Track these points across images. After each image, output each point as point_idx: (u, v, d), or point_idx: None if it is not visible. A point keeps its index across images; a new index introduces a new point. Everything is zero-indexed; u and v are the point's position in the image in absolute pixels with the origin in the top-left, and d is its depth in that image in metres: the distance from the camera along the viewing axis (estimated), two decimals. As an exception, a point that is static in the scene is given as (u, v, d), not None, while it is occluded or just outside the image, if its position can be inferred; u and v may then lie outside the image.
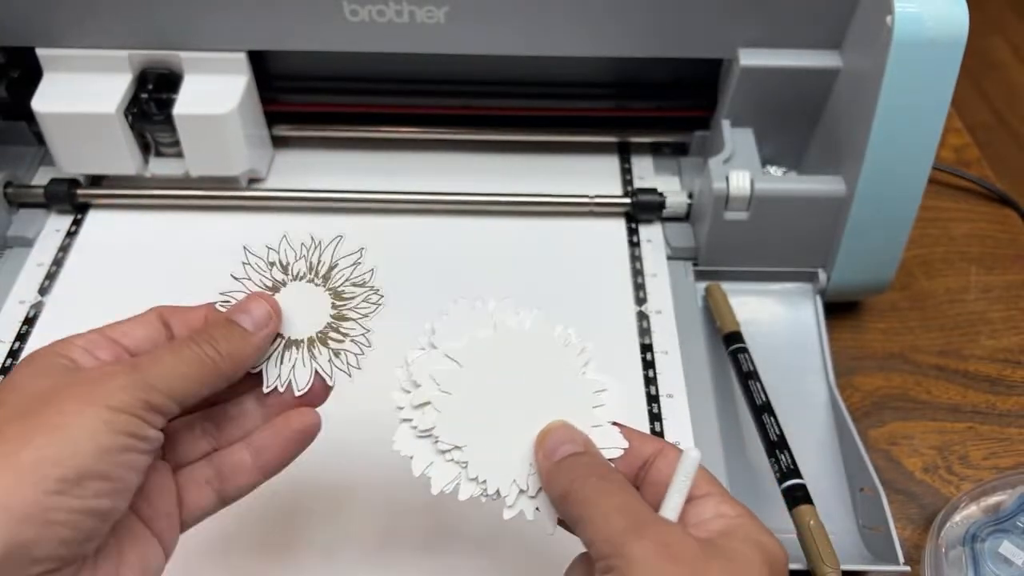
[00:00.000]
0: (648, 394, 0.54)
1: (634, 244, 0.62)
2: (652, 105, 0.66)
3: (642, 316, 0.58)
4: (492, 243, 0.62)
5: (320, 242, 0.39)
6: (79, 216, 0.63)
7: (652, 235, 0.63)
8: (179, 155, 0.62)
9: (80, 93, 0.59)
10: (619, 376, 0.53)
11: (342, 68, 0.64)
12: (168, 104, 0.59)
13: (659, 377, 0.55)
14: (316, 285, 0.39)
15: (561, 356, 0.39)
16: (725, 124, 0.61)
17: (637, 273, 0.60)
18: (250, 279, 0.39)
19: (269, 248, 0.39)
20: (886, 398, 0.60)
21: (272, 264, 0.39)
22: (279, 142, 0.67)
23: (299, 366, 0.38)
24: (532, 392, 0.38)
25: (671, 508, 0.34)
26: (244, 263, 0.39)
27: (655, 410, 0.53)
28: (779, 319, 0.60)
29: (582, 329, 0.56)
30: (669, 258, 0.61)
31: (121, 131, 0.60)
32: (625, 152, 0.68)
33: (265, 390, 0.38)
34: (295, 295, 0.39)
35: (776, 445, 0.51)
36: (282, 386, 0.38)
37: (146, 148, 0.63)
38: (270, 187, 0.65)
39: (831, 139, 0.59)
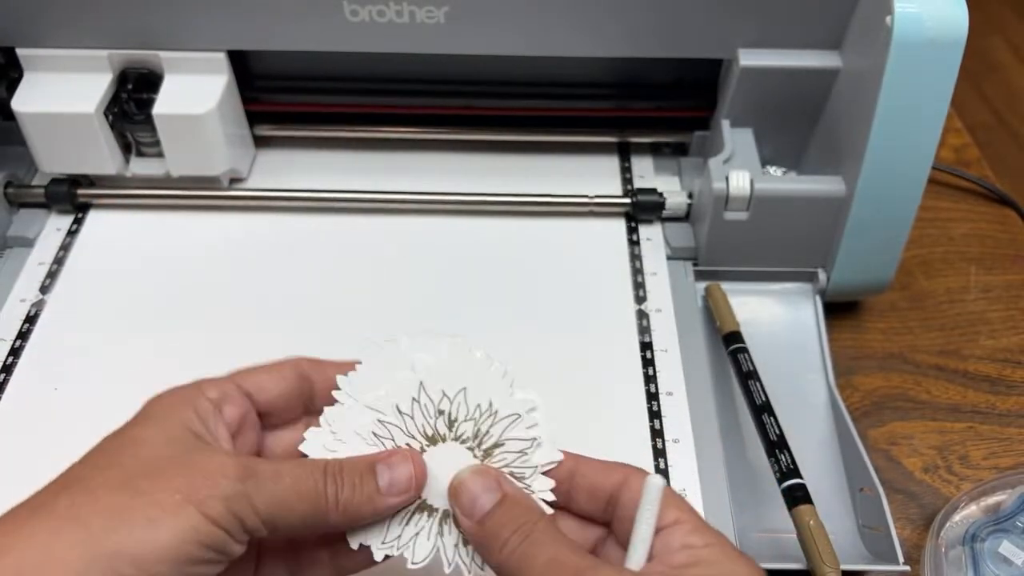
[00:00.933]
0: (648, 392, 0.54)
1: (634, 243, 0.62)
2: (652, 105, 0.66)
3: (642, 314, 0.58)
4: (489, 243, 0.62)
5: (496, 412, 0.36)
6: (80, 216, 0.63)
7: (652, 234, 0.63)
8: (160, 155, 0.61)
9: (60, 93, 0.59)
10: (618, 375, 0.54)
11: (325, 68, 0.64)
12: (148, 104, 0.59)
13: (659, 375, 0.55)
14: (475, 456, 0.35)
15: (485, 381, 0.37)
16: (725, 124, 0.61)
17: (637, 272, 0.60)
18: (413, 418, 0.36)
19: (444, 395, 0.36)
20: (886, 398, 0.60)
21: (441, 413, 0.35)
22: (261, 142, 0.67)
23: (423, 538, 0.34)
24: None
25: (638, 544, 0.32)
26: (414, 399, 0.35)
27: (654, 408, 0.53)
28: (779, 319, 0.61)
29: (582, 328, 0.57)
30: (669, 258, 0.61)
31: (100, 131, 0.60)
32: (625, 152, 0.68)
33: (377, 551, 0.35)
34: (448, 455, 0.35)
35: (776, 445, 0.51)
36: (396, 551, 0.34)
37: (127, 148, 0.63)
38: (271, 187, 0.65)
39: (831, 139, 0.59)
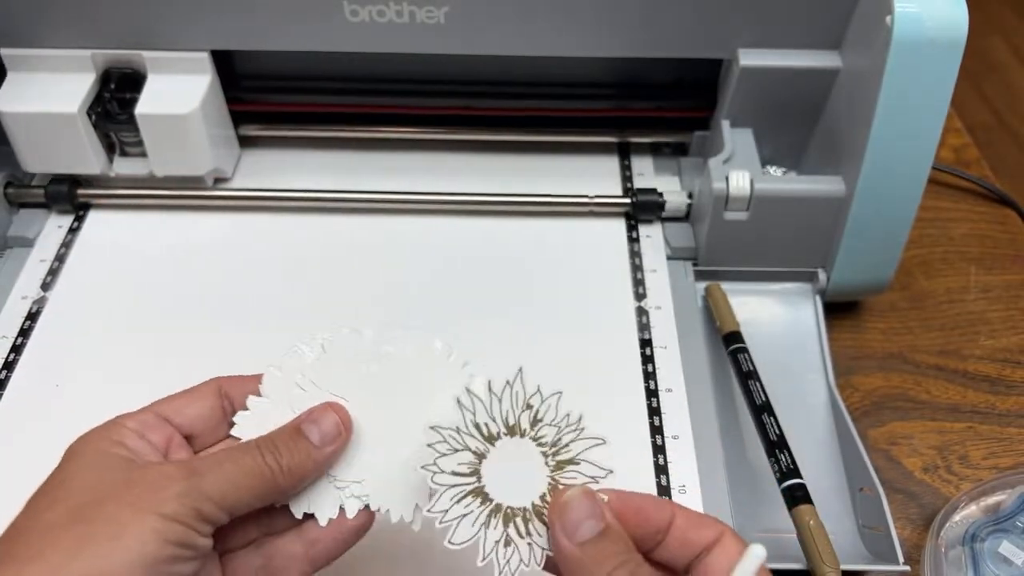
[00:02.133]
0: (647, 389, 0.54)
1: (633, 239, 0.62)
2: (652, 105, 0.66)
3: (641, 311, 0.58)
4: (488, 243, 0.62)
5: (583, 428, 0.35)
6: (80, 215, 0.63)
7: (652, 232, 0.63)
8: (144, 155, 0.61)
9: (43, 93, 0.59)
10: (616, 370, 0.54)
11: (312, 68, 0.64)
12: (131, 104, 0.59)
13: (658, 372, 0.55)
14: (547, 463, 0.35)
15: (446, 374, 0.37)
16: (725, 124, 0.61)
17: (636, 269, 0.60)
18: (501, 401, 0.35)
19: (539, 391, 0.35)
20: (885, 398, 0.60)
21: (529, 408, 0.35)
22: (248, 141, 0.67)
23: (467, 521, 0.34)
24: (423, 416, 0.35)
25: None
26: (508, 383, 0.35)
27: (654, 404, 0.53)
28: (779, 319, 0.61)
29: (581, 326, 0.57)
30: (669, 258, 0.61)
31: (83, 130, 0.60)
32: (625, 152, 0.68)
33: (416, 518, 0.36)
34: (521, 452, 0.35)
35: (776, 445, 0.51)
36: (439, 524, 0.34)
37: (111, 148, 0.63)
38: (268, 188, 0.64)
39: (831, 139, 0.59)
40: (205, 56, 0.60)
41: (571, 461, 0.35)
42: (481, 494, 0.34)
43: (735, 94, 0.60)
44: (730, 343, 0.57)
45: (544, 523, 0.34)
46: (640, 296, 0.59)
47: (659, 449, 0.51)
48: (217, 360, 0.54)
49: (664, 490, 0.49)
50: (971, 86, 2.04)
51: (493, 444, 0.35)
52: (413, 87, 0.65)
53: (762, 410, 0.53)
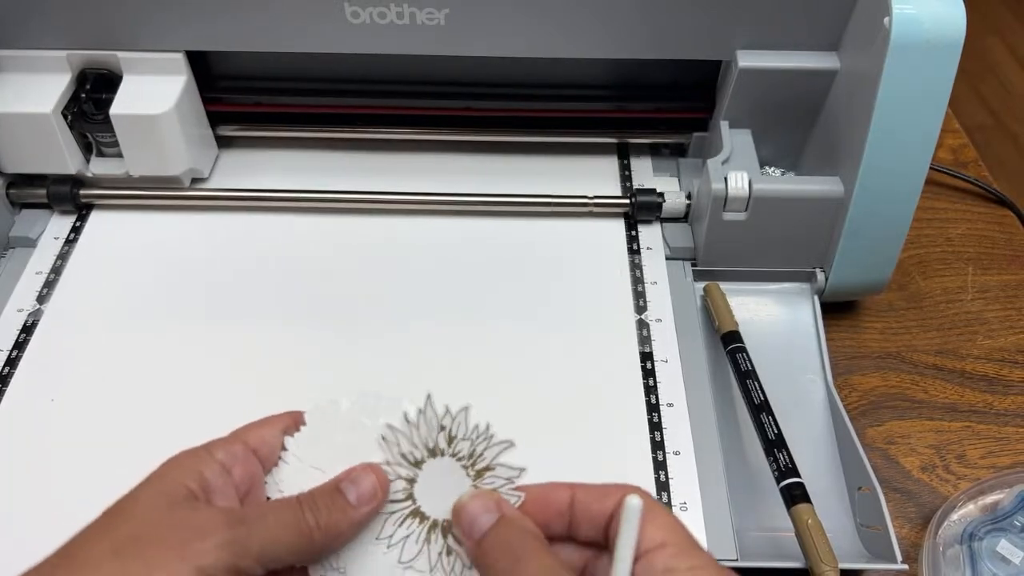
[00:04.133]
0: (648, 403, 0.54)
1: (634, 251, 0.62)
2: (651, 107, 0.66)
3: (642, 324, 0.58)
4: (486, 244, 0.62)
5: (492, 436, 0.36)
6: (83, 214, 0.64)
7: (652, 242, 0.63)
8: (120, 155, 0.62)
9: (18, 93, 0.60)
10: (617, 384, 0.54)
11: (286, 69, 0.65)
12: (107, 104, 0.60)
13: (659, 386, 0.55)
14: (468, 475, 0.37)
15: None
16: (724, 125, 0.61)
17: (637, 281, 0.60)
18: (418, 429, 0.37)
19: (448, 411, 0.36)
20: (883, 397, 0.60)
21: (443, 428, 0.37)
22: (225, 142, 0.68)
23: (411, 540, 0.37)
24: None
25: (619, 565, 0.32)
26: (420, 411, 0.37)
27: (655, 419, 0.53)
28: (777, 319, 0.61)
29: (582, 338, 0.57)
30: (668, 258, 0.62)
31: (59, 131, 0.60)
32: (624, 153, 0.69)
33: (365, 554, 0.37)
34: (444, 469, 0.37)
35: (774, 444, 0.51)
36: (388, 547, 0.37)
37: (88, 148, 0.64)
38: (275, 188, 0.65)
39: (829, 140, 0.60)
40: (180, 57, 0.60)
41: (487, 468, 0.37)
42: (418, 514, 0.37)
43: (734, 95, 0.60)
44: (728, 343, 0.57)
45: (444, 538, 0.37)
46: (641, 308, 0.59)
47: (660, 465, 0.51)
48: (219, 370, 0.54)
49: (666, 507, 0.48)
50: (968, 87, 2.05)
51: (420, 468, 0.37)
52: (408, 88, 0.65)
53: (760, 409, 0.53)
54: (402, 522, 0.37)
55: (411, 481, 0.37)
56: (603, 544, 0.35)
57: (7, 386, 0.54)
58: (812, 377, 0.58)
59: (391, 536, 0.37)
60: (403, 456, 0.37)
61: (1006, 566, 0.50)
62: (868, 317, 0.64)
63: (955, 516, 0.53)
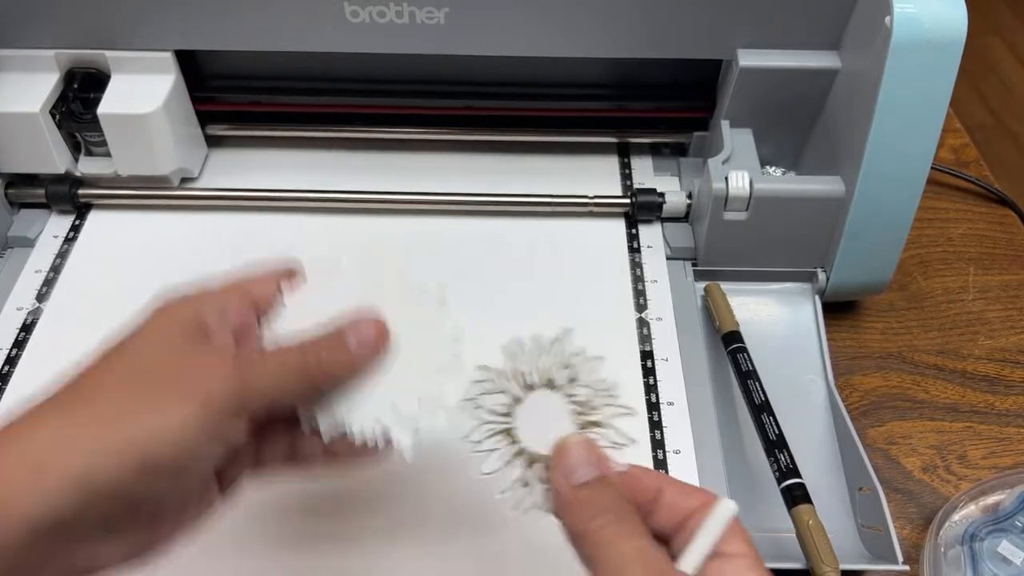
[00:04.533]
0: (648, 402, 0.54)
1: (634, 250, 0.62)
2: (651, 106, 0.66)
3: (642, 323, 0.58)
4: (486, 244, 0.62)
5: (614, 396, 0.37)
6: (81, 213, 0.64)
7: (652, 240, 0.63)
8: (108, 154, 0.62)
9: (5, 93, 0.60)
10: (618, 381, 0.54)
11: (273, 68, 0.65)
12: (95, 103, 0.60)
13: (659, 385, 0.54)
14: (575, 421, 0.36)
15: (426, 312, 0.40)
16: (724, 125, 0.61)
17: (638, 280, 0.60)
18: (547, 355, 0.37)
19: (582, 352, 0.37)
20: (884, 397, 0.60)
21: (567, 367, 0.37)
22: (215, 141, 0.67)
23: (495, 455, 0.36)
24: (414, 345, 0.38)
25: (691, 557, 0.32)
26: (555, 339, 0.37)
27: (655, 418, 0.53)
28: (778, 319, 0.61)
29: (582, 336, 0.56)
30: (668, 258, 0.61)
31: (46, 130, 0.60)
32: (625, 152, 0.68)
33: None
34: (553, 405, 0.37)
35: (775, 444, 0.51)
36: (473, 451, 0.36)
37: (77, 147, 0.63)
38: (269, 188, 0.64)
39: (830, 139, 0.59)
40: (169, 56, 0.60)
41: (598, 424, 0.36)
42: (511, 435, 0.36)
43: (734, 95, 0.60)
44: (729, 343, 0.57)
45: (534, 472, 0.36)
46: (641, 307, 0.59)
47: (660, 464, 0.51)
48: None
49: None
50: (969, 86, 2.05)
51: (530, 392, 0.37)
52: (405, 87, 0.65)
53: (761, 410, 0.53)
54: (492, 435, 0.37)
55: (517, 400, 0.37)
56: (666, 537, 0.35)
57: (7, 384, 0.54)
58: (813, 377, 0.58)
59: (479, 443, 0.37)
60: (520, 374, 0.37)
61: (1007, 567, 0.50)
62: (869, 317, 0.64)
63: (956, 517, 0.53)
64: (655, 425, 0.53)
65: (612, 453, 0.36)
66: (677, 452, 0.51)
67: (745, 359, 0.56)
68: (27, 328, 0.57)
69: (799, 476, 0.50)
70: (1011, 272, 0.68)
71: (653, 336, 0.57)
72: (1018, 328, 0.65)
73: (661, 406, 0.53)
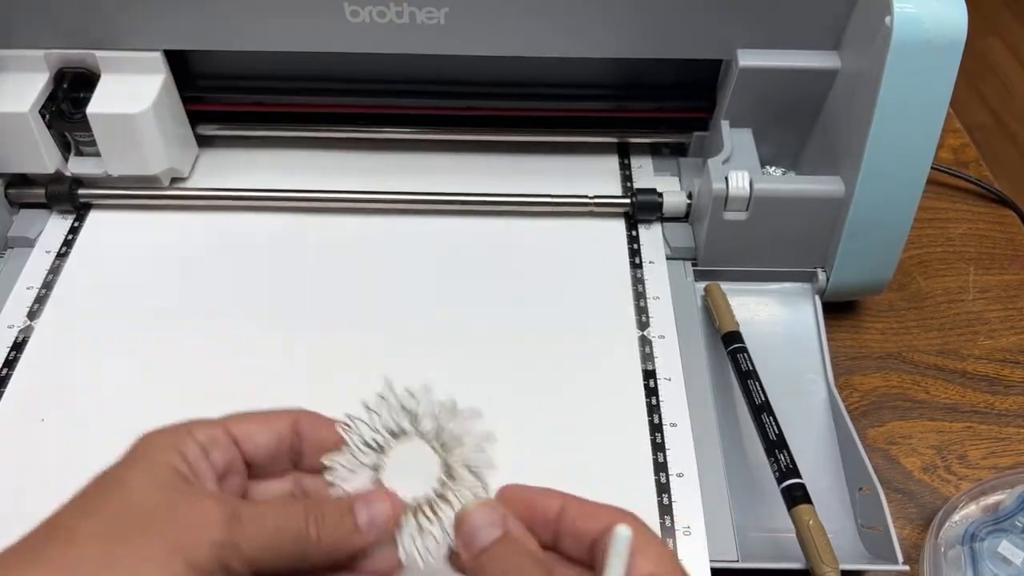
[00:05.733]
0: (651, 423, 0.53)
1: (635, 251, 0.62)
2: (651, 106, 0.66)
3: (644, 341, 0.57)
4: (484, 245, 0.62)
5: (455, 407, 0.37)
6: (81, 215, 0.64)
7: (653, 242, 0.62)
8: (98, 154, 0.62)
9: None
10: (618, 398, 0.54)
11: (264, 68, 0.65)
12: (84, 103, 0.60)
13: (662, 405, 0.53)
14: (436, 451, 0.37)
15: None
16: (724, 125, 0.61)
17: (640, 296, 0.59)
18: (379, 415, 0.37)
19: (410, 392, 0.37)
20: (884, 398, 0.60)
21: (405, 410, 0.37)
22: (206, 141, 0.67)
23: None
24: None
25: None
26: (381, 396, 0.37)
27: (658, 440, 0.52)
28: (778, 319, 0.61)
29: (581, 352, 0.55)
30: (668, 258, 0.61)
31: (36, 130, 0.60)
32: (624, 153, 0.68)
33: None
34: (410, 451, 0.37)
35: (775, 444, 0.51)
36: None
37: (67, 147, 0.63)
38: (267, 188, 0.64)
39: (829, 139, 0.59)
40: (158, 56, 0.60)
41: (456, 439, 0.37)
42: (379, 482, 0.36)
43: (734, 94, 0.60)
44: (729, 343, 0.57)
45: (446, 500, 0.36)
46: (643, 324, 0.58)
47: (663, 488, 0.50)
48: (210, 385, 0.54)
49: (668, 531, 0.48)
50: (969, 87, 2.04)
51: (385, 453, 0.37)
52: (402, 87, 0.65)
53: (761, 410, 0.53)
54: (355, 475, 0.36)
55: (377, 468, 0.36)
56: (585, 562, 0.34)
57: (13, 371, 0.54)
58: (813, 377, 0.58)
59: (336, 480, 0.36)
60: (365, 444, 0.37)
61: (1007, 567, 0.50)
62: (869, 317, 0.64)
63: (956, 517, 0.53)
64: (658, 447, 0.51)
65: (487, 453, 0.36)
66: (680, 475, 0.50)
67: (745, 359, 0.56)
68: (9, 364, 0.55)
69: (799, 476, 0.50)
70: (1011, 272, 0.68)
71: (656, 355, 0.56)
72: (1018, 328, 0.65)
73: (664, 427, 0.52)
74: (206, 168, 0.67)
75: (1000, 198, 0.74)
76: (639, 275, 0.60)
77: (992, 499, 0.54)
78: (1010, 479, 0.54)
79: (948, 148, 0.78)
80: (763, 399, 0.53)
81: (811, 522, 0.47)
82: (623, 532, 0.32)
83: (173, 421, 0.36)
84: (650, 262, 0.61)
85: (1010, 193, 0.74)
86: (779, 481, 0.50)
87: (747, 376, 0.55)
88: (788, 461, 0.50)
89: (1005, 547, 0.50)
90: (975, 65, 2.10)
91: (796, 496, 0.49)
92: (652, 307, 0.59)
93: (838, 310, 0.64)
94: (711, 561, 0.47)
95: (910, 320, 0.65)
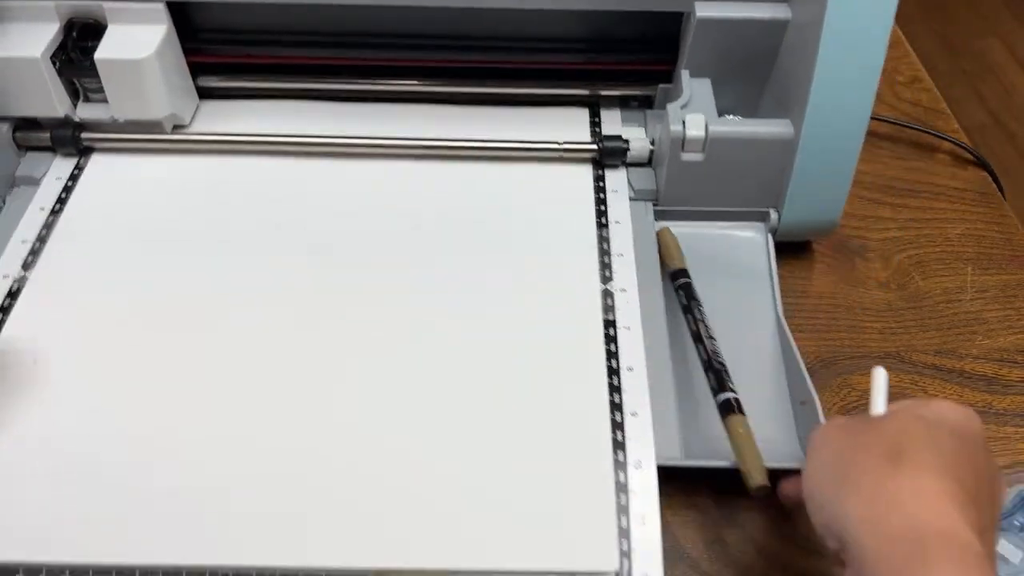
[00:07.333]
0: (609, 367, 0.55)
1: (600, 192, 0.66)
2: (620, 59, 0.69)
3: (607, 293, 0.60)
4: (458, 189, 0.66)
5: None
6: (83, 157, 0.68)
7: (618, 185, 0.66)
8: (105, 100, 0.66)
9: (9, 40, 0.64)
10: (579, 342, 0.57)
11: (264, 21, 0.69)
12: (92, 51, 0.64)
13: (620, 351, 0.56)
14: None
15: None
16: (684, 74, 0.65)
17: (604, 253, 0.62)
18: None
19: None
20: (884, 397, 0.61)
21: None
22: (206, 93, 0.72)
23: None
24: None
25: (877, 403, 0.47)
26: None
27: (615, 383, 0.54)
28: (733, 255, 0.64)
29: (547, 298, 0.58)
30: (632, 199, 0.65)
31: (47, 75, 0.64)
32: (595, 108, 0.72)
33: None
34: None
35: (713, 365, 0.55)
36: None
37: (76, 94, 0.68)
38: (266, 133, 0.69)
39: (782, 87, 0.63)
40: (161, 7, 0.65)
41: None
42: None
43: (693, 45, 0.64)
44: (676, 278, 0.61)
45: None
46: (606, 279, 0.61)
47: (618, 426, 0.52)
48: (212, 306, 0.59)
49: (621, 465, 0.50)
50: (968, 87, 2.07)
51: None
52: (387, 40, 0.69)
53: (699, 336, 0.57)
54: None
55: None
56: None
57: (16, 301, 0.59)
58: (764, 308, 0.62)
59: None
60: None
61: (1006, 566, 0.50)
62: (867, 317, 0.64)
63: None
64: (614, 389, 0.54)
65: None
66: (630, 369, 0.55)
67: (689, 291, 0.60)
68: (4, 310, 0.59)
69: (733, 392, 0.54)
70: (1009, 272, 0.68)
71: (617, 307, 0.59)
72: (1016, 328, 0.64)
73: (621, 371, 0.55)
74: (205, 118, 0.71)
75: (977, 159, 0.76)
76: (605, 234, 0.63)
77: (991, 498, 0.53)
78: (1008, 478, 0.54)
79: (948, 148, 0.78)
80: (705, 325, 0.58)
81: (741, 429, 0.52)
82: (881, 371, 0.47)
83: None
84: (614, 190, 0.66)
85: (1009, 192, 0.75)
86: (714, 395, 0.54)
87: (690, 306, 0.59)
88: (722, 379, 0.54)
89: (1004, 546, 0.50)
90: (975, 66, 2.12)
91: (730, 408, 0.53)
92: (616, 263, 0.62)
93: (838, 310, 0.65)
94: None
95: (908, 320, 0.65)
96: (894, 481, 0.39)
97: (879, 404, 0.46)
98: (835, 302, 0.65)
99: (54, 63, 0.65)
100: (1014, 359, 0.62)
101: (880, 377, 0.47)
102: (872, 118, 0.60)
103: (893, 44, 0.81)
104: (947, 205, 0.73)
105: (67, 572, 0.47)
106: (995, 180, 0.76)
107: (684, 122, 0.61)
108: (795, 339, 0.55)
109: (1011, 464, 0.57)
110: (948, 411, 0.43)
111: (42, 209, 0.65)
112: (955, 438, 0.41)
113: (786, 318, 0.59)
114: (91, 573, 0.47)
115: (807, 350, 0.58)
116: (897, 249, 0.68)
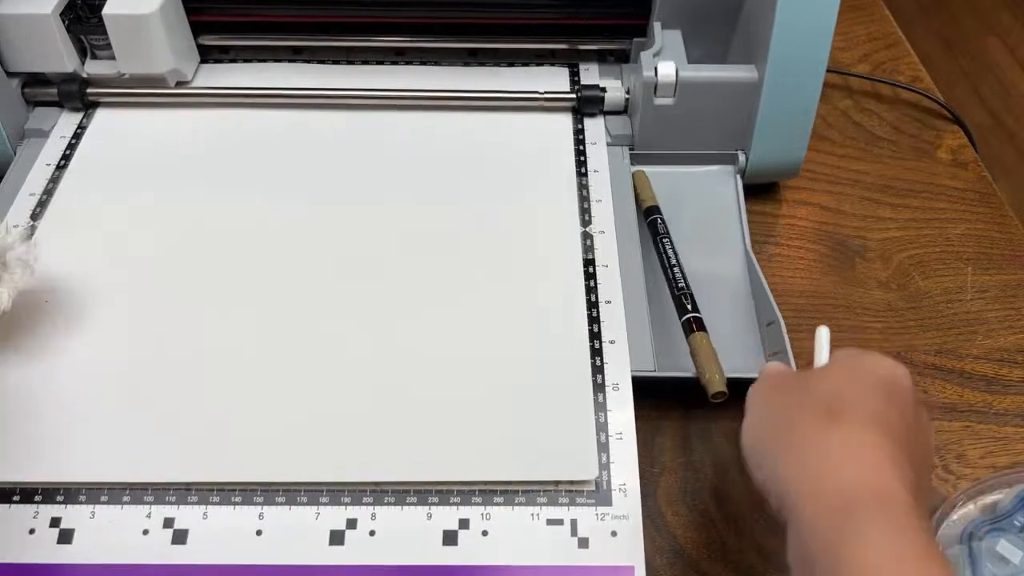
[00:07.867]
0: (588, 300, 0.59)
1: (580, 140, 0.69)
2: (596, 12, 0.73)
3: (587, 236, 0.63)
4: (443, 137, 0.70)
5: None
6: (89, 112, 0.72)
7: (596, 133, 0.70)
8: (112, 57, 0.70)
9: None
10: (562, 280, 0.60)
11: None
12: (99, 8, 0.68)
13: (599, 287, 0.59)
14: None
15: None
16: (656, 26, 0.68)
17: (584, 199, 0.65)
18: None
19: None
20: (884, 397, 0.61)
21: None
22: (208, 52, 0.76)
23: None
24: None
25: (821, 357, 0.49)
26: None
27: (595, 314, 0.58)
28: (704, 195, 0.68)
29: (530, 241, 0.62)
30: (609, 144, 0.69)
31: (57, 31, 0.68)
32: (575, 67, 0.76)
33: None
34: None
35: (680, 290, 0.59)
36: None
37: (84, 52, 0.72)
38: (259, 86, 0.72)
39: (746, 36, 0.67)
40: None
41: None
42: None
43: (664, -1, 0.67)
44: (649, 215, 0.65)
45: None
46: (586, 222, 0.64)
47: (596, 352, 0.56)
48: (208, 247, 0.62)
49: (600, 387, 0.54)
50: (968, 87, 2.09)
51: None
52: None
53: (672, 264, 0.61)
54: None
55: None
56: None
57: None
58: (734, 241, 0.65)
59: None
60: None
61: (1005, 566, 0.49)
62: (868, 317, 0.64)
63: (954, 516, 0.52)
64: (593, 320, 0.57)
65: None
66: (608, 302, 0.58)
67: (660, 223, 0.64)
68: (41, 204, 0.64)
69: (697, 312, 0.58)
70: (1009, 272, 0.68)
71: (596, 247, 0.62)
72: (1016, 328, 0.64)
73: (600, 304, 0.59)
74: (206, 77, 0.75)
75: (953, 116, 0.78)
76: (584, 182, 0.67)
77: (990, 498, 0.53)
78: (1008, 478, 0.53)
79: (947, 148, 0.77)
80: (674, 254, 0.62)
81: (701, 343, 0.55)
82: (824, 330, 0.49)
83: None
84: (592, 143, 0.69)
85: (1009, 193, 0.76)
86: (680, 317, 0.58)
87: (661, 238, 0.63)
88: (687, 300, 0.58)
89: (1003, 546, 0.49)
90: (974, 65, 2.14)
91: (693, 326, 0.57)
92: (595, 208, 0.65)
93: (838, 310, 0.65)
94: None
95: (909, 320, 0.64)
96: (827, 438, 0.40)
97: (822, 360, 0.49)
98: (835, 302, 0.65)
99: (63, 20, 0.69)
100: (1014, 359, 0.62)
101: (823, 336, 0.50)
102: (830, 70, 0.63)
103: (893, 44, 0.86)
104: (947, 205, 0.73)
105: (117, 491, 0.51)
106: (970, 139, 0.78)
107: (656, 68, 0.64)
108: (792, 341, 0.57)
109: (1011, 464, 0.57)
110: (879, 365, 0.44)
111: (48, 165, 0.68)
112: (887, 392, 0.42)
113: (783, 319, 0.59)
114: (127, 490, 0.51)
115: (807, 350, 0.56)
116: (897, 249, 0.69)
